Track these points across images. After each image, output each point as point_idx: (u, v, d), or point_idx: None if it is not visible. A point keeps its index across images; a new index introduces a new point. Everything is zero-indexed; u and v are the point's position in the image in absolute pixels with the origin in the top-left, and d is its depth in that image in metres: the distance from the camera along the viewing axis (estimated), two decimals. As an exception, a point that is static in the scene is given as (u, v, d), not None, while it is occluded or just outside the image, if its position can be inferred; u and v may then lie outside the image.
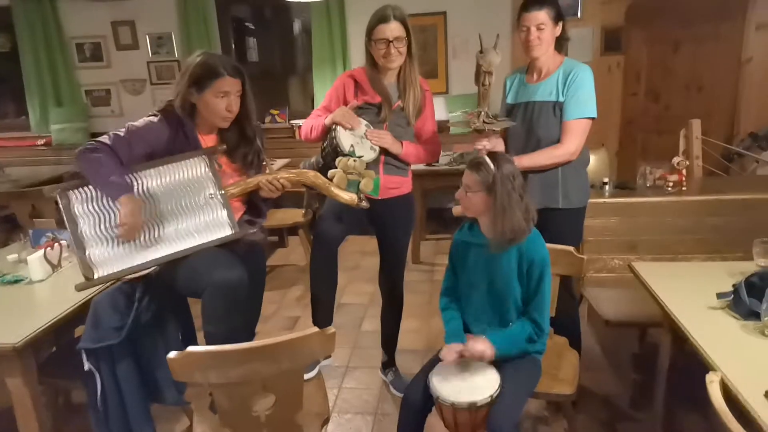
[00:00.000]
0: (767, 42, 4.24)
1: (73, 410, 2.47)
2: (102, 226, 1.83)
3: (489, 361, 1.74)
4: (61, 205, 1.81)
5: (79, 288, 1.82)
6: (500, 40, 2.09)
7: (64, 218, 1.80)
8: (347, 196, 2.05)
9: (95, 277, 1.81)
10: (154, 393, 1.94)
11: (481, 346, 1.72)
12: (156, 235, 1.88)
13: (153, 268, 1.90)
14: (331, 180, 2.05)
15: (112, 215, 1.83)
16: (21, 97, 5.70)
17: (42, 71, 5.51)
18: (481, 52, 2.06)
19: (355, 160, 2.07)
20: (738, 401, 1.26)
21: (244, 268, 1.87)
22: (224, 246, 1.95)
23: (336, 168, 2.08)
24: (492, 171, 1.71)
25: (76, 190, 1.82)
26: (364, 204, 2.08)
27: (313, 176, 2.05)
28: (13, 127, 5.87)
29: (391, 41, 2.19)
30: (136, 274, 1.87)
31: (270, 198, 2.07)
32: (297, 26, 5.81)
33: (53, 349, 2.22)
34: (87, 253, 1.81)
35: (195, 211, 1.93)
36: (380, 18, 2.19)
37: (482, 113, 2.12)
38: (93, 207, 1.83)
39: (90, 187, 1.82)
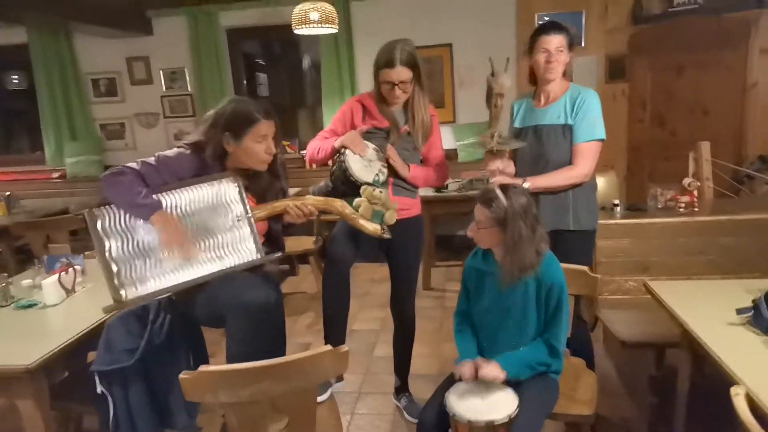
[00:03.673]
0: (772, 66, 4.29)
1: (83, 438, 2.44)
2: (130, 246, 1.79)
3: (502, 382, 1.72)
4: (89, 224, 1.76)
5: (108, 310, 1.78)
6: (508, 65, 2.13)
7: (93, 237, 1.76)
8: (371, 227, 2.08)
9: (124, 299, 1.75)
10: (166, 417, 1.92)
11: (493, 372, 1.70)
12: (184, 257, 1.85)
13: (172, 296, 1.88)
14: (356, 209, 2.07)
15: (142, 235, 1.80)
16: (37, 132, 5.83)
17: (58, 106, 5.64)
18: (492, 75, 2.10)
19: (381, 191, 2.10)
20: (765, 414, 1.23)
21: (273, 290, 1.86)
22: (249, 273, 1.93)
23: (342, 190, 2.10)
24: (504, 206, 1.68)
25: (104, 209, 1.78)
26: (387, 236, 2.10)
27: (340, 206, 2.07)
28: (28, 161, 5.98)
29: (397, 84, 2.23)
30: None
31: (292, 224, 2.08)
32: (306, 61, 5.94)
33: (65, 374, 2.21)
34: (115, 274, 1.76)
35: (223, 233, 1.91)
36: (386, 62, 2.21)
37: (495, 134, 2.14)
38: (121, 226, 1.79)
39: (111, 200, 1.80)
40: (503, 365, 1.72)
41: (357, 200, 2.09)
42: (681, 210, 2.93)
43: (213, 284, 1.85)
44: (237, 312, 1.76)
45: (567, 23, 2.28)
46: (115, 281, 1.75)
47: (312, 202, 2.03)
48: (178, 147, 1.94)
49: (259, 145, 1.91)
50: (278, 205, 2.01)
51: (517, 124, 2.39)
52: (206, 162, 1.92)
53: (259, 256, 1.94)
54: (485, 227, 1.73)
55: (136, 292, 1.77)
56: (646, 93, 4.95)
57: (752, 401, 1.27)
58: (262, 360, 1.44)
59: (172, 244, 1.79)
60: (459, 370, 1.77)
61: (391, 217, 2.13)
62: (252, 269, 1.95)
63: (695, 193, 2.98)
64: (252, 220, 1.94)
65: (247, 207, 1.94)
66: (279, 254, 2.04)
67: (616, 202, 3.04)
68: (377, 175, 2.23)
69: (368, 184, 2.14)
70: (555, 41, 2.19)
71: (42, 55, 5.53)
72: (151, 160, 1.86)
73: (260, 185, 2.03)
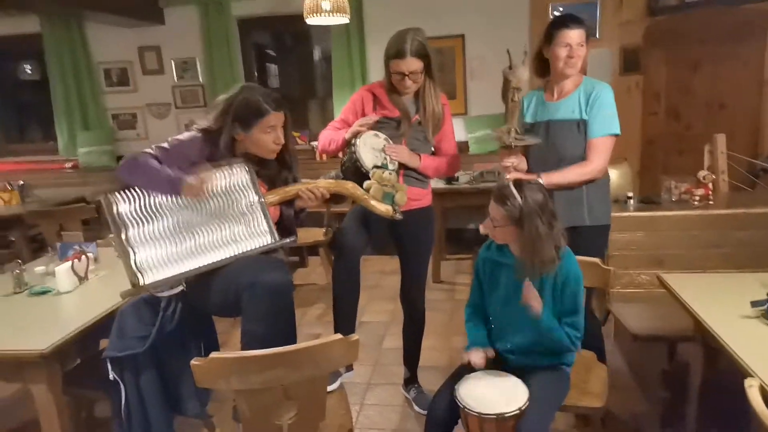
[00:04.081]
0: (790, 60, 4.22)
1: (95, 424, 2.46)
2: (149, 230, 1.80)
3: (534, 314, 1.68)
4: (105, 210, 1.77)
5: (125, 295, 1.78)
6: (526, 58, 2.10)
7: (110, 223, 1.76)
8: (383, 208, 2.09)
9: (141, 283, 1.75)
10: (177, 404, 1.94)
11: (536, 299, 1.67)
12: (200, 242, 1.86)
13: (183, 287, 1.89)
14: (367, 191, 2.08)
15: (160, 219, 1.81)
16: (50, 122, 5.87)
17: (70, 96, 5.67)
18: (510, 68, 2.07)
19: (390, 173, 2.11)
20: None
21: (288, 273, 1.87)
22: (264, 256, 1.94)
23: (353, 181, 2.10)
24: (519, 204, 1.65)
25: (121, 194, 1.79)
26: (398, 216, 2.12)
27: (351, 187, 2.08)
28: (41, 150, 6.03)
29: (407, 75, 2.21)
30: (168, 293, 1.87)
31: (303, 210, 2.09)
32: (317, 53, 5.92)
33: (78, 360, 2.23)
34: (133, 258, 1.76)
35: (237, 218, 1.92)
36: (397, 52, 2.19)
37: (512, 129, 2.11)
38: (139, 211, 1.80)
39: (136, 190, 1.80)
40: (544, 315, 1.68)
41: (367, 183, 2.10)
42: (695, 203, 2.90)
43: (227, 270, 1.85)
44: (253, 291, 1.76)
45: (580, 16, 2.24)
46: (133, 266, 1.75)
47: (324, 184, 2.04)
48: (190, 131, 1.95)
49: (267, 136, 1.92)
50: (290, 190, 2.02)
51: (528, 119, 2.33)
52: (217, 147, 1.93)
53: (273, 241, 1.95)
54: (500, 225, 1.71)
55: (153, 277, 1.78)
56: (661, 86, 4.89)
57: (766, 393, 1.25)
58: (274, 343, 1.45)
59: (204, 182, 1.83)
60: (468, 355, 1.77)
61: (402, 198, 2.14)
62: (266, 254, 1.96)
63: (710, 186, 2.94)
64: (264, 204, 1.95)
65: (260, 192, 1.96)
66: (293, 238, 2.05)
67: (630, 194, 3.01)
68: (390, 164, 2.22)
69: (377, 167, 2.14)
70: (577, 36, 2.14)
71: (54, 45, 5.56)
72: (165, 144, 1.88)
73: (269, 172, 2.04)
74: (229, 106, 1.91)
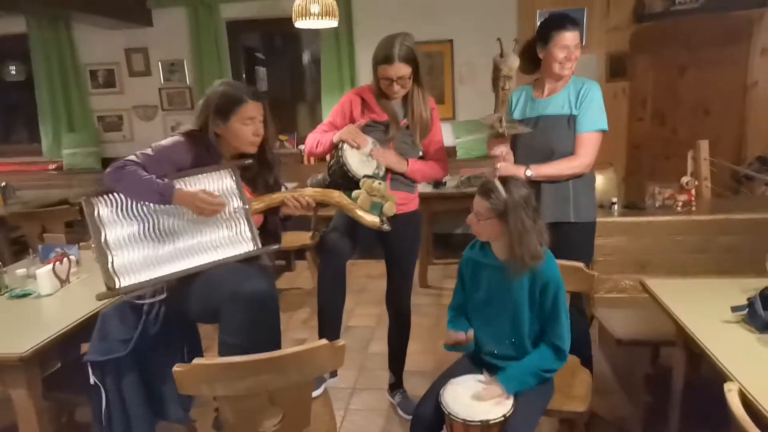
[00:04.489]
0: (773, 66, 4.28)
1: (76, 429, 2.43)
2: (128, 233, 1.80)
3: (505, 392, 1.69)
4: (85, 212, 1.79)
5: (101, 297, 1.78)
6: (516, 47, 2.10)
7: (89, 225, 1.77)
8: (370, 219, 2.06)
9: (117, 286, 1.76)
10: (159, 409, 1.92)
11: (495, 393, 1.67)
12: (180, 247, 1.85)
13: (165, 295, 1.88)
14: (355, 201, 2.06)
15: (135, 223, 1.81)
16: (34, 123, 5.81)
17: (56, 97, 5.61)
18: (501, 56, 2.06)
19: (380, 183, 2.09)
20: (758, 411, 1.23)
21: (269, 283, 1.86)
22: (244, 264, 1.92)
23: (340, 185, 2.09)
24: (503, 197, 1.67)
25: (102, 197, 1.80)
26: (386, 227, 2.09)
27: (338, 196, 2.06)
28: (25, 152, 5.96)
29: (395, 80, 2.21)
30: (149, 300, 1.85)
31: (289, 218, 2.08)
32: (306, 56, 5.91)
33: (58, 364, 2.20)
34: (110, 261, 1.76)
35: (219, 224, 1.91)
36: (384, 58, 2.19)
37: (503, 117, 2.12)
38: (117, 215, 1.81)
39: (117, 194, 1.81)
40: (504, 384, 1.68)
41: (356, 192, 2.08)
42: (678, 209, 2.93)
43: (208, 277, 1.84)
44: (232, 302, 1.75)
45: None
46: (110, 268, 1.75)
47: (310, 193, 2.03)
48: (173, 136, 1.94)
49: (246, 128, 1.93)
50: (276, 197, 2.01)
51: (516, 116, 2.34)
52: (202, 150, 1.93)
53: (255, 248, 1.93)
54: (485, 218, 1.72)
55: (130, 280, 1.77)
56: (647, 91, 4.94)
57: (745, 397, 1.27)
58: (255, 353, 1.44)
59: (216, 209, 1.83)
60: (451, 335, 1.78)
61: (390, 209, 2.12)
62: (247, 261, 1.94)
63: (693, 192, 2.97)
64: (249, 211, 1.94)
65: (245, 198, 1.94)
66: (276, 246, 2.03)
67: (614, 200, 3.03)
68: (377, 168, 2.22)
69: (368, 176, 2.13)
70: (574, 38, 2.15)
71: (41, 45, 5.51)
72: (149, 150, 1.86)
73: (249, 173, 2.03)
74: (209, 99, 1.93)
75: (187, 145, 1.92)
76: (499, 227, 1.71)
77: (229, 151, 2.00)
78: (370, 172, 2.18)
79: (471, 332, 1.82)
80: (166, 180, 1.82)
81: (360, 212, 2.06)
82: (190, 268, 1.84)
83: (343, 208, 2.08)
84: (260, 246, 1.95)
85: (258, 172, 2.06)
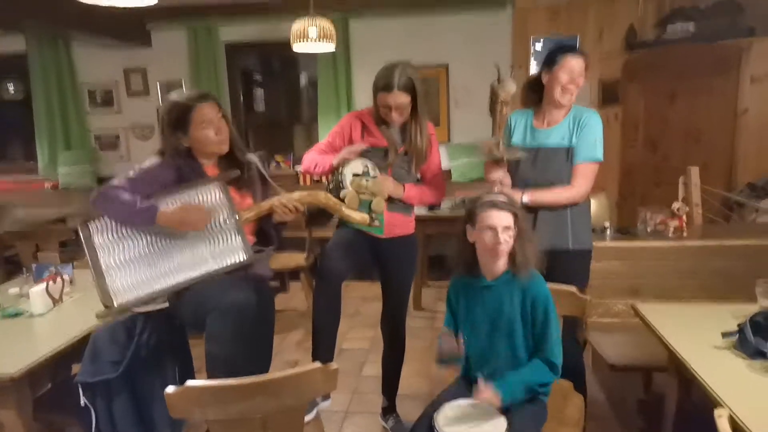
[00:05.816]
0: (762, 94, 4.35)
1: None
2: (120, 255, 1.88)
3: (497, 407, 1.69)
4: (82, 236, 1.87)
5: (100, 315, 1.85)
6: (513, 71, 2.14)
7: (85, 249, 1.85)
8: (358, 216, 2.08)
9: (115, 304, 1.83)
10: (149, 430, 1.90)
11: (488, 395, 1.67)
12: (173, 262, 1.90)
13: (166, 305, 1.91)
14: (342, 200, 2.08)
15: (130, 243, 1.88)
16: (31, 142, 5.81)
17: (53, 116, 5.63)
18: (498, 81, 2.09)
19: (368, 180, 2.09)
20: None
21: (254, 293, 1.87)
22: (233, 275, 1.95)
23: (342, 196, 2.11)
24: (518, 205, 1.79)
25: (96, 222, 1.89)
26: (377, 223, 2.11)
27: (324, 197, 2.09)
28: (21, 170, 5.95)
29: (393, 108, 2.24)
30: (151, 308, 1.88)
31: (282, 224, 2.10)
32: (303, 78, 5.98)
33: (48, 385, 2.18)
34: (107, 282, 1.84)
35: (211, 237, 1.96)
36: (384, 86, 2.21)
37: (501, 142, 2.13)
38: (111, 237, 1.89)
39: (108, 218, 1.88)
40: (499, 390, 1.68)
41: (343, 192, 2.09)
42: (670, 234, 2.96)
43: (198, 287, 1.88)
44: (216, 312, 1.78)
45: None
46: (108, 289, 1.82)
47: (296, 197, 2.04)
48: (150, 158, 2.00)
49: (206, 131, 1.95)
50: (264, 205, 2.04)
51: (516, 140, 2.31)
52: (181, 164, 1.97)
53: (246, 257, 1.96)
54: (511, 230, 1.73)
55: (126, 297, 1.83)
56: (639, 118, 5.02)
57: (735, 423, 1.27)
58: (242, 366, 1.45)
59: (197, 224, 1.88)
60: (444, 343, 1.77)
61: (379, 204, 2.12)
62: (239, 270, 1.97)
63: (684, 218, 3.00)
64: (239, 222, 1.97)
65: (234, 209, 1.97)
66: (271, 248, 2.07)
67: (607, 224, 3.06)
68: (365, 167, 2.21)
69: (356, 175, 2.15)
70: (579, 65, 2.17)
71: (40, 64, 5.53)
72: (131, 173, 1.91)
73: (240, 180, 2.07)
74: (162, 119, 1.98)
75: (165, 164, 1.96)
76: (515, 234, 1.74)
77: (207, 156, 2.03)
78: (359, 171, 2.19)
79: (461, 338, 1.82)
80: (152, 200, 1.86)
81: (347, 211, 2.08)
82: (184, 280, 1.89)
83: (330, 208, 2.10)
84: (251, 254, 1.98)
85: (242, 174, 2.07)
